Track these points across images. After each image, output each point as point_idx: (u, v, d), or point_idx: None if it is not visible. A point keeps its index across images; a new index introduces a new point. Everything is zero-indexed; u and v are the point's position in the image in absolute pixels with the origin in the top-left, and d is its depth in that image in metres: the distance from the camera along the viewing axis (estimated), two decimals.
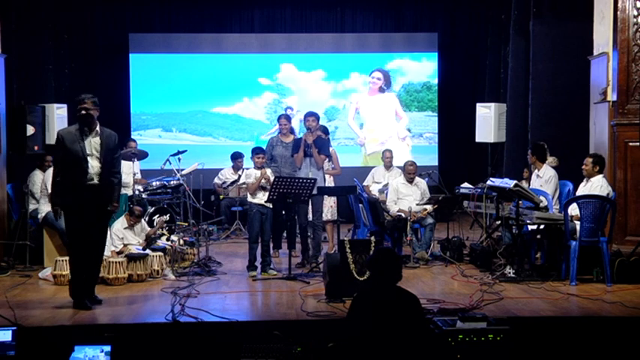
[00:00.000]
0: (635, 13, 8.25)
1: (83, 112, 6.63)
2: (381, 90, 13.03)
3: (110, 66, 12.72)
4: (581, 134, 9.27)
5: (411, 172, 9.30)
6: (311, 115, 8.71)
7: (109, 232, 8.12)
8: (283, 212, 8.55)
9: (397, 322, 4.86)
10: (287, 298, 7.03)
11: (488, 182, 8.49)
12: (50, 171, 8.60)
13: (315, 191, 8.15)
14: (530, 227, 8.03)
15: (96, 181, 6.65)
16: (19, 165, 9.37)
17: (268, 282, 7.78)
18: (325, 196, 8.97)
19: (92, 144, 6.65)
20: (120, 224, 8.28)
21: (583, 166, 7.94)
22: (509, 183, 7.85)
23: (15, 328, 5.61)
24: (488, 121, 11.02)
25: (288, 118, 9.49)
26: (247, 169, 8.97)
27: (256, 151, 8.48)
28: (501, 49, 11.87)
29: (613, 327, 6.12)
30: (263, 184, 8.20)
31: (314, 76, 13.02)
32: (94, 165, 6.63)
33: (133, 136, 11.94)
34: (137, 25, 12.89)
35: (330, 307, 6.59)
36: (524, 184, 8.65)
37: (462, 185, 9.38)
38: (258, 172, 8.30)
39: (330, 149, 9.10)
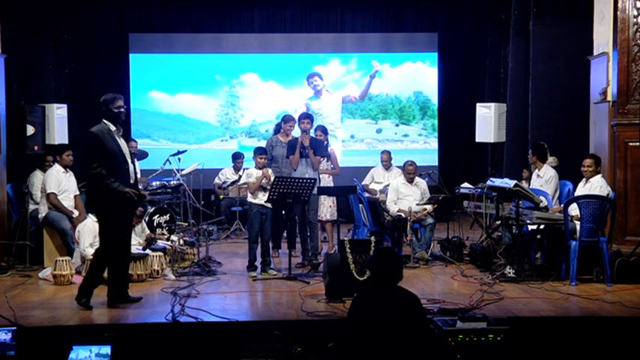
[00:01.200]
0: (635, 13, 8.25)
1: (123, 109, 6.66)
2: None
3: (110, 66, 12.71)
4: (581, 134, 9.27)
5: (410, 172, 9.29)
6: (306, 118, 8.74)
7: None
8: (283, 212, 8.54)
9: (397, 322, 4.86)
10: (287, 298, 7.03)
11: (488, 182, 8.49)
12: (51, 170, 8.64)
13: (315, 191, 8.16)
14: (530, 227, 8.03)
15: (133, 181, 6.71)
16: (19, 165, 9.37)
17: (268, 282, 7.78)
18: (325, 196, 8.97)
19: (122, 144, 6.68)
20: None
21: (585, 167, 7.90)
22: (509, 183, 7.85)
23: (15, 328, 5.61)
24: (488, 121, 11.01)
25: (294, 121, 9.46)
26: (248, 169, 8.96)
27: (259, 151, 8.48)
28: (501, 49, 11.86)
29: (613, 327, 6.13)
30: (264, 184, 8.19)
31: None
32: (130, 165, 6.69)
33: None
34: (137, 25, 12.88)
35: (330, 307, 6.59)
36: (524, 184, 8.66)
37: (462, 185, 9.38)
38: (259, 172, 8.30)
39: (329, 149, 9.11)
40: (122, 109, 6.62)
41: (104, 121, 6.59)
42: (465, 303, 6.60)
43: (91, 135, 6.53)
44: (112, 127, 6.58)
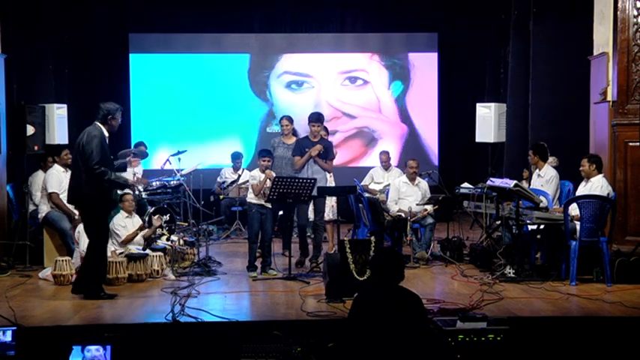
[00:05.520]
0: (635, 13, 8.24)
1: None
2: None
3: (110, 66, 12.70)
4: (581, 134, 9.27)
5: (412, 167, 9.28)
6: (317, 120, 8.59)
7: (110, 230, 8.16)
8: (281, 212, 8.51)
9: (398, 322, 4.86)
10: (287, 298, 7.04)
11: (488, 182, 8.49)
12: (51, 170, 8.64)
13: (315, 192, 8.14)
14: (530, 227, 8.03)
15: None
16: (19, 165, 9.37)
17: (268, 282, 7.78)
18: (326, 196, 8.95)
19: None
20: (120, 215, 8.32)
21: (580, 167, 7.97)
22: (509, 183, 7.85)
23: (15, 328, 5.61)
24: (488, 121, 11.00)
25: (290, 119, 9.42)
26: (250, 170, 8.94)
27: (262, 153, 8.45)
28: (501, 49, 11.85)
29: (613, 327, 6.13)
30: (265, 189, 8.13)
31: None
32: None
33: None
34: (137, 25, 12.88)
35: (330, 307, 6.59)
36: (524, 184, 8.66)
37: (462, 185, 9.37)
38: (262, 175, 8.27)
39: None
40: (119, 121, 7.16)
41: (100, 124, 6.98)
42: (464, 303, 6.61)
43: (96, 135, 6.91)
44: (105, 134, 7.01)
